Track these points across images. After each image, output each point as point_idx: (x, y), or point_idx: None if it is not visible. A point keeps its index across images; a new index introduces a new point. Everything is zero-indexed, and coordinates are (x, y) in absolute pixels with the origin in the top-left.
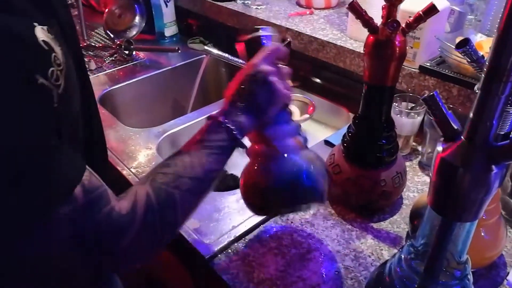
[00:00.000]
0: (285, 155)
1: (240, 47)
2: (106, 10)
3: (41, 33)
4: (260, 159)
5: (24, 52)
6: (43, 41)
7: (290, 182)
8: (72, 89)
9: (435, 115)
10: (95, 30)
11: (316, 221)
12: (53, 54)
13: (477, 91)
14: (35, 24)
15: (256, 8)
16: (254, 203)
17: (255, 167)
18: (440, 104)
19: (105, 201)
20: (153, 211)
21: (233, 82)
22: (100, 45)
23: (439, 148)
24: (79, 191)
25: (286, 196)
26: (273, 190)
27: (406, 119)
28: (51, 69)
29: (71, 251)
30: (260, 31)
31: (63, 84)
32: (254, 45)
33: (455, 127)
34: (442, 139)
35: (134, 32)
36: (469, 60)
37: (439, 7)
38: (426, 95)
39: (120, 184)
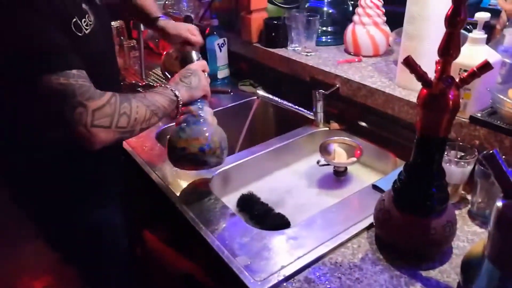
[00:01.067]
0: (200, 120)
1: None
2: (164, 52)
3: (84, 4)
4: (181, 121)
5: (72, 4)
6: (83, 7)
7: (199, 136)
8: (96, 36)
9: (495, 172)
10: (153, 70)
11: (364, 265)
12: (87, 15)
13: None
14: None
15: (306, 55)
16: (174, 153)
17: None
18: (500, 162)
19: (90, 81)
20: (116, 99)
21: (179, 72)
22: (157, 84)
23: (499, 203)
24: (74, 72)
25: (195, 145)
26: (186, 140)
27: (455, 168)
28: (84, 19)
29: (61, 95)
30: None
31: (89, 30)
32: (188, 60)
33: None
34: (501, 194)
35: None
36: None
37: (491, 60)
38: (485, 152)
39: (169, 215)
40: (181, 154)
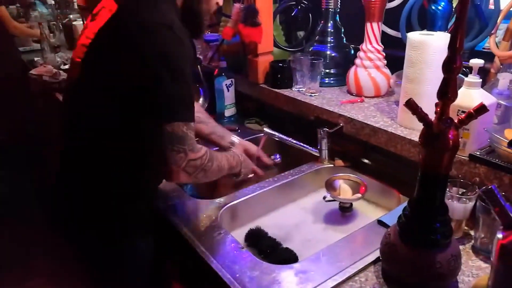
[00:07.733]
0: None
1: None
2: None
3: None
4: None
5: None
6: None
7: None
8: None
9: (494, 206)
10: None
11: None
12: None
13: None
14: None
15: (310, 95)
16: None
17: None
18: (498, 196)
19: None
20: (206, 156)
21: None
22: None
23: (499, 235)
24: (192, 124)
25: None
26: None
27: (457, 204)
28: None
29: (177, 139)
30: None
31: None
32: None
33: None
34: (501, 227)
35: None
36: None
37: (487, 102)
38: (484, 188)
39: (179, 247)
40: None
